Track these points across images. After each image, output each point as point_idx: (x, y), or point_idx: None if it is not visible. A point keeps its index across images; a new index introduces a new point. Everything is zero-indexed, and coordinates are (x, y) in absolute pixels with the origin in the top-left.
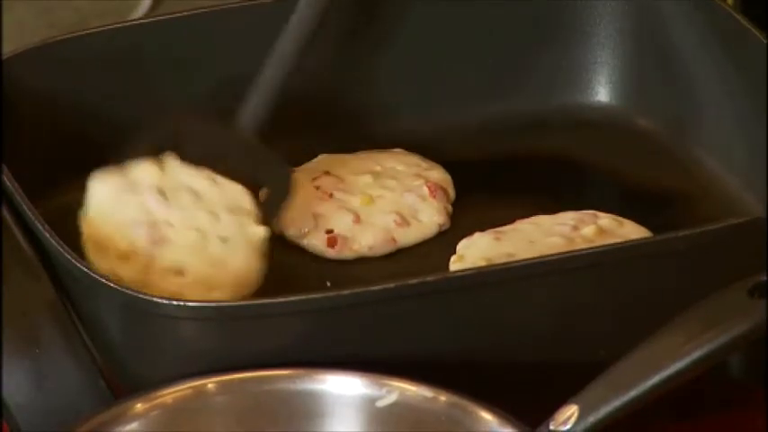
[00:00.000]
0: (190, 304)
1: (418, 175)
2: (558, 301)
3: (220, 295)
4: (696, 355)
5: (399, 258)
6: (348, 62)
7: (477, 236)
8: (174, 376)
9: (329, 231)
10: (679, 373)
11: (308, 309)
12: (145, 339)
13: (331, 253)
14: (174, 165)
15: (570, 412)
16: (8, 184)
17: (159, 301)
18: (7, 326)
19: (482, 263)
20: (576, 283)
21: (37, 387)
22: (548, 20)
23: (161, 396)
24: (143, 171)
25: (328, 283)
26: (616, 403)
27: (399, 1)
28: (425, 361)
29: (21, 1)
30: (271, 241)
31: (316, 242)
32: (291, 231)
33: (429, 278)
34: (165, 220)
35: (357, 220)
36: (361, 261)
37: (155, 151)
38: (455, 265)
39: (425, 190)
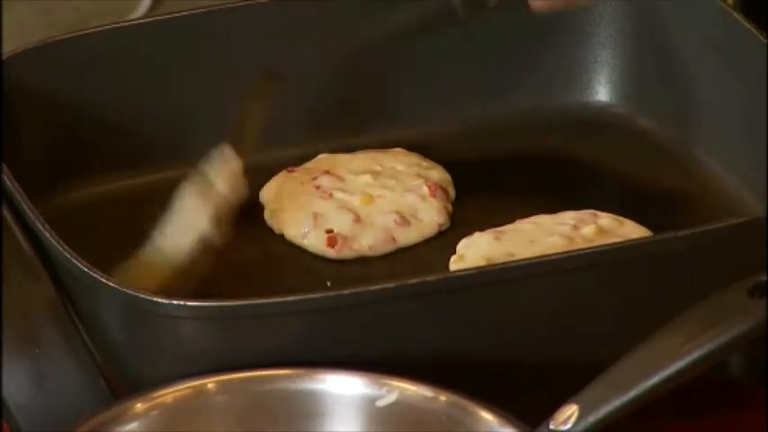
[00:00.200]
0: (190, 304)
1: (418, 175)
2: (557, 300)
3: None
4: (696, 355)
5: (399, 258)
6: (348, 62)
7: (477, 236)
8: (174, 376)
9: (329, 231)
10: (679, 373)
11: (308, 309)
12: (145, 339)
13: (331, 253)
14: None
15: (570, 412)
16: (8, 184)
17: (159, 300)
18: (7, 326)
19: (482, 263)
20: (575, 282)
21: (37, 387)
22: (548, 20)
23: (161, 396)
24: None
25: (328, 283)
26: (616, 403)
27: (398, 1)
28: (425, 361)
29: (21, 1)
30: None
31: (316, 242)
32: (291, 231)
33: (429, 278)
34: None
35: (357, 219)
36: (361, 261)
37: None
38: (455, 264)
39: (425, 190)
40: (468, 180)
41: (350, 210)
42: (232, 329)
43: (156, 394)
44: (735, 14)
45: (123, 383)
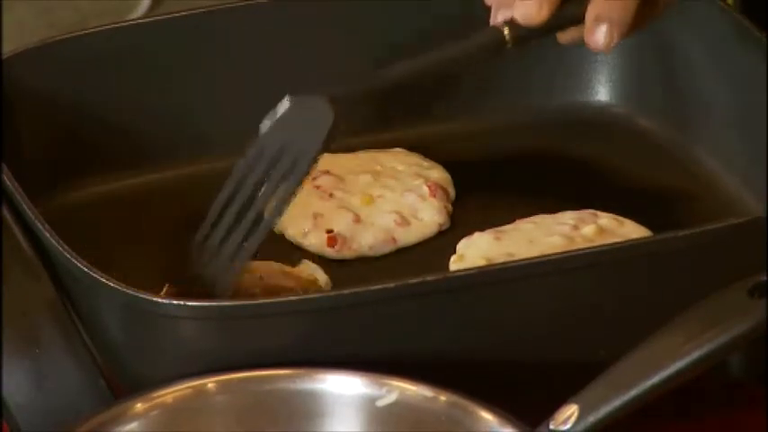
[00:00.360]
0: (190, 304)
1: (418, 175)
2: (557, 300)
3: None
4: (696, 355)
5: (399, 258)
6: (350, 62)
7: (477, 235)
8: (174, 376)
9: (329, 231)
10: (679, 373)
11: (308, 309)
12: (145, 339)
13: (331, 253)
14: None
15: (570, 412)
16: (8, 184)
17: (159, 300)
18: (7, 326)
19: (482, 262)
20: (575, 282)
21: (37, 387)
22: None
23: (161, 396)
24: None
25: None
26: (616, 403)
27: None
28: (425, 361)
29: (21, 1)
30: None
31: (316, 242)
32: (291, 231)
33: (429, 278)
34: None
35: (357, 219)
36: (361, 261)
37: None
38: (455, 264)
39: (425, 189)
40: (468, 180)
41: (350, 210)
42: (232, 329)
43: (156, 394)
44: (735, 14)
45: (123, 383)
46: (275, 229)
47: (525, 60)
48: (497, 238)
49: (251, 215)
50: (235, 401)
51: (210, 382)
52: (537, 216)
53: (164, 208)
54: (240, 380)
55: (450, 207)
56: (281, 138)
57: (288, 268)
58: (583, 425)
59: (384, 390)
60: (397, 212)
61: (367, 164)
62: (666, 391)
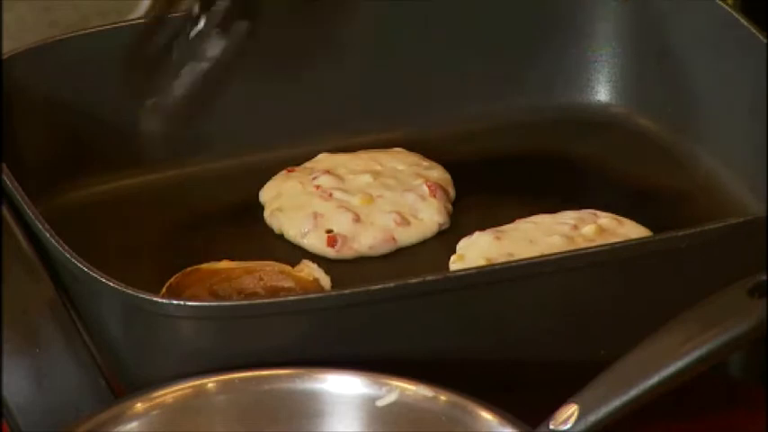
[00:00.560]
0: (190, 304)
1: (418, 175)
2: (558, 300)
3: None
4: (696, 355)
5: (399, 258)
6: (349, 61)
7: (477, 235)
8: (174, 376)
9: (329, 231)
10: (679, 373)
11: (307, 309)
12: (145, 339)
13: (331, 253)
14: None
15: (570, 412)
16: (8, 184)
17: (159, 300)
18: (7, 325)
19: (482, 262)
20: (576, 282)
21: (37, 387)
22: (547, 19)
23: (161, 396)
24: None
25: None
26: (616, 403)
27: (401, 1)
28: (425, 361)
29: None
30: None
31: (316, 242)
32: (291, 231)
33: (429, 278)
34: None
35: (357, 219)
36: (361, 261)
37: None
38: (455, 264)
39: (425, 189)
40: (468, 180)
41: (350, 210)
42: (232, 329)
43: (156, 394)
44: (735, 14)
45: (123, 383)
46: (275, 230)
47: (525, 60)
48: (497, 238)
49: None
50: (235, 401)
51: (210, 382)
52: (537, 216)
53: (164, 208)
54: (240, 380)
55: (450, 207)
56: None
57: (288, 268)
58: (583, 425)
59: (384, 390)
60: (397, 212)
61: (367, 164)
62: (666, 391)
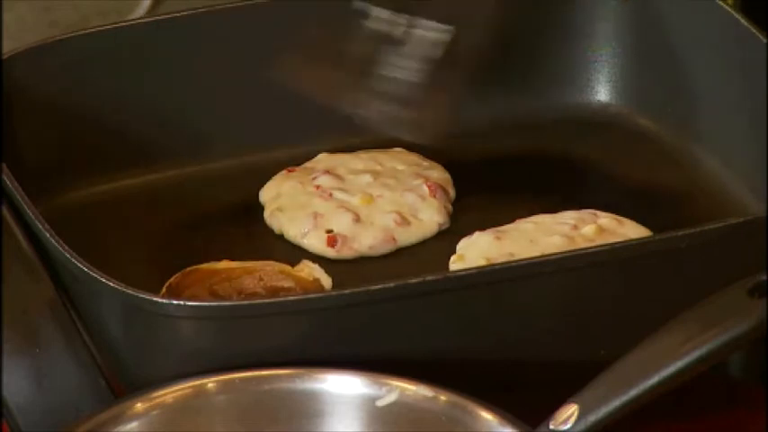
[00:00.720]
0: (190, 304)
1: (418, 175)
2: (558, 300)
3: None
4: (696, 355)
5: (399, 258)
6: (349, 61)
7: (477, 235)
8: (174, 376)
9: (329, 231)
10: (679, 373)
11: (307, 309)
12: (145, 339)
13: (331, 253)
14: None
15: (570, 412)
16: (8, 184)
17: (159, 300)
18: (7, 325)
19: (482, 262)
20: (576, 282)
21: (37, 387)
22: (548, 20)
23: (161, 395)
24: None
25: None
26: (616, 403)
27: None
28: (425, 361)
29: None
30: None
31: (316, 242)
32: (291, 231)
33: (429, 278)
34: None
35: (357, 219)
36: (361, 261)
37: None
38: (455, 264)
39: (425, 189)
40: (468, 180)
41: (350, 210)
42: (232, 329)
43: (156, 394)
44: (735, 14)
45: (123, 383)
46: (275, 230)
47: (525, 60)
48: (497, 238)
49: None
50: (235, 401)
51: (210, 382)
52: (537, 216)
53: (164, 208)
54: (240, 380)
55: (450, 207)
56: None
57: (288, 268)
58: (583, 425)
59: (384, 390)
60: (397, 212)
61: (367, 164)
62: (666, 391)
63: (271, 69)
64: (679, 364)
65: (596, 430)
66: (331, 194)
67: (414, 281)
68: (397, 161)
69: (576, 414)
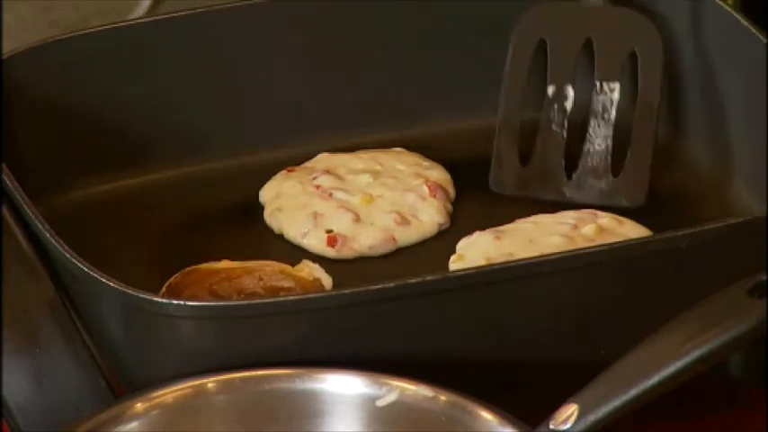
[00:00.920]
0: (190, 304)
1: (418, 175)
2: (558, 300)
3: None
4: (696, 354)
5: (399, 258)
6: (350, 62)
7: (477, 235)
8: (174, 376)
9: (329, 231)
10: (679, 373)
11: (307, 309)
12: (145, 339)
13: (331, 253)
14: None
15: (570, 412)
16: (8, 184)
17: (159, 300)
18: (7, 325)
19: (482, 262)
20: (575, 282)
21: (37, 387)
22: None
23: (161, 395)
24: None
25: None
26: (616, 403)
27: (402, 1)
28: (425, 361)
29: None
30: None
31: (316, 242)
32: (291, 231)
33: (429, 278)
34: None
35: (357, 219)
36: (361, 261)
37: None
38: (455, 264)
39: (425, 189)
40: (468, 180)
41: (350, 209)
42: (232, 329)
43: (156, 394)
44: (735, 14)
45: (123, 383)
46: (275, 230)
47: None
48: (497, 238)
49: None
50: (235, 401)
51: (210, 382)
52: (537, 216)
53: (164, 208)
54: (240, 380)
55: (450, 207)
56: None
57: (288, 268)
58: (583, 425)
59: (384, 390)
60: (397, 212)
61: (367, 163)
62: (666, 391)
63: (270, 69)
64: (679, 364)
65: (596, 430)
66: (331, 194)
67: (414, 281)
68: (397, 161)
69: (575, 414)
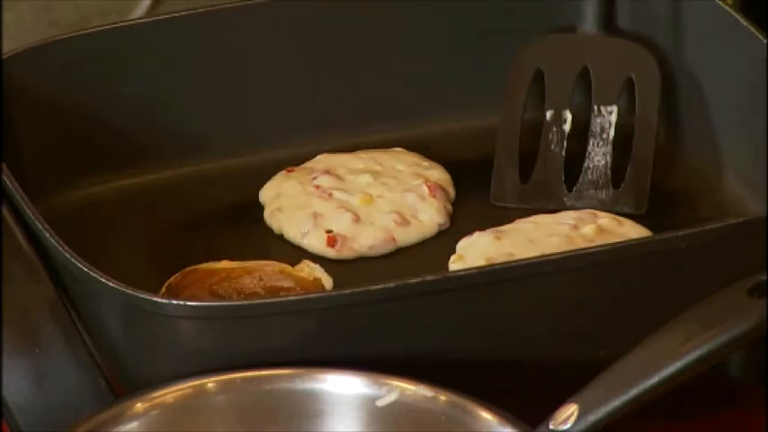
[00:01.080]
0: (190, 304)
1: (418, 175)
2: (558, 300)
3: None
4: (696, 354)
5: (399, 258)
6: (350, 62)
7: (477, 235)
8: (174, 375)
9: (329, 231)
10: (679, 373)
11: (308, 309)
12: (145, 339)
13: (331, 253)
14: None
15: (570, 412)
16: (8, 184)
17: (159, 300)
18: (7, 325)
19: (482, 262)
20: (576, 282)
21: (37, 387)
22: (548, 20)
23: (161, 395)
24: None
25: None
26: (616, 403)
27: (402, 1)
28: (425, 361)
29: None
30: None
31: (316, 242)
32: (291, 231)
33: (429, 278)
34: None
35: (357, 219)
36: (361, 261)
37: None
38: (455, 264)
39: (425, 189)
40: (468, 180)
41: (350, 210)
42: (232, 329)
43: (156, 394)
44: (735, 14)
45: (123, 383)
46: (275, 230)
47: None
48: (497, 238)
49: None
50: (235, 401)
51: (210, 382)
52: (537, 216)
53: (164, 208)
54: (240, 380)
55: (450, 207)
56: None
57: (288, 268)
58: (583, 424)
59: (384, 390)
60: (397, 212)
61: (367, 164)
62: (666, 391)
63: (271, 69)
64: (679, 364)
65: (596, 430)
66: (331, 194)
67: (414, 281)
68: (397, 161)
69: (575, 414)
